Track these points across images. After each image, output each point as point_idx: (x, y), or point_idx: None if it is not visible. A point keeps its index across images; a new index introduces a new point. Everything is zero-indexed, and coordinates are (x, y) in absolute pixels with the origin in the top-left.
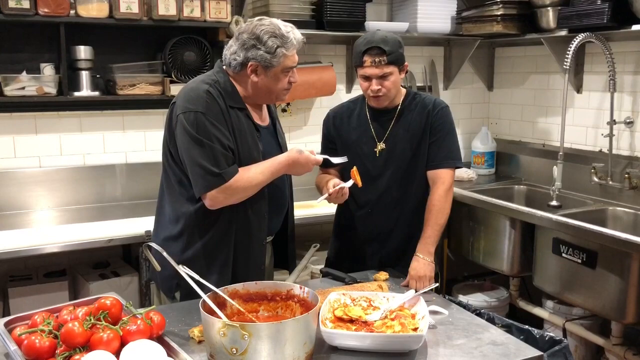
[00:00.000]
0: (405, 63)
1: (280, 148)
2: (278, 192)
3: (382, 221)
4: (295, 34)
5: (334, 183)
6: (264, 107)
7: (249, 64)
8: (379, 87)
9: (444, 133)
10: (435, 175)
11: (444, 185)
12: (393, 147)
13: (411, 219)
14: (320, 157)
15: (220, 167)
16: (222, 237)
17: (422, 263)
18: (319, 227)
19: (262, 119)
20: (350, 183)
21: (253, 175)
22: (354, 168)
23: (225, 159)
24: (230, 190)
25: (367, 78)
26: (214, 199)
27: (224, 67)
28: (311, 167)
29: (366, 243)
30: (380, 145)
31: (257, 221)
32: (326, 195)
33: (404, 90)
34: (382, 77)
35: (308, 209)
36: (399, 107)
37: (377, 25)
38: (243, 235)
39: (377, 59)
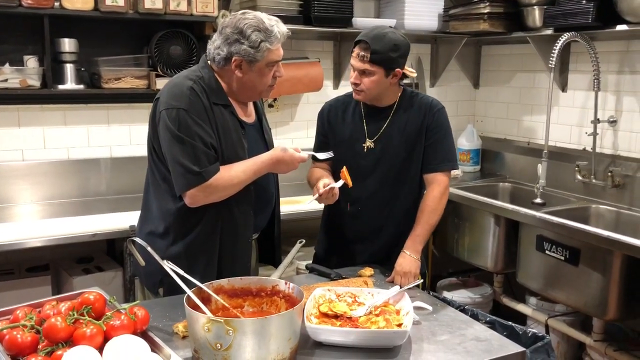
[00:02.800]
0: (398, 69)
1: (267, 145)
2: (264, 189)
3: (371, 220)
4: (280, 28)
5: (324, 183)
6: (250, 103)
7: (233, 59)
8: (358, 81)
9: (441, 135)
10: (432, 178)
11: (440, 188)
12: (386, 146)
13: (401, 219)
14: (306, 155)
15: (201, 165)
16: (208, 234)
17: (408, 259)
18: (305, 223)
19: (248, 115)
20: (340, 183)
21: (234, 174)
22: (344, 168)
23: (207, 157)
24: (210, 189)
25: (353, 68)
26: (193, 197)
27: (209, 62)
28: (296, 165)
29: (355, 241)
30: (369, 143)
31: (243, 219)
32: (316, 196)
33: (400, 89)
34: (363, 73)
35: (294, 204)
36: (395, 106)
37: (364, 21)
38: (229, 232)
39: (361, 53)
